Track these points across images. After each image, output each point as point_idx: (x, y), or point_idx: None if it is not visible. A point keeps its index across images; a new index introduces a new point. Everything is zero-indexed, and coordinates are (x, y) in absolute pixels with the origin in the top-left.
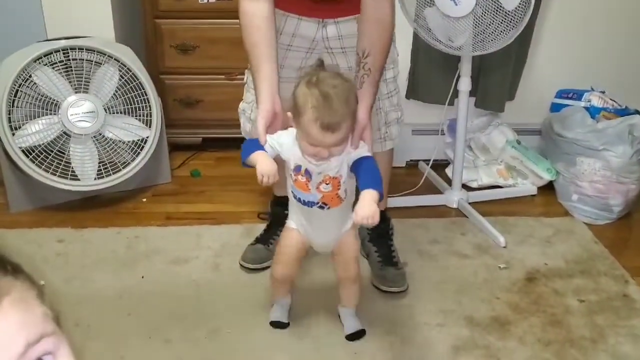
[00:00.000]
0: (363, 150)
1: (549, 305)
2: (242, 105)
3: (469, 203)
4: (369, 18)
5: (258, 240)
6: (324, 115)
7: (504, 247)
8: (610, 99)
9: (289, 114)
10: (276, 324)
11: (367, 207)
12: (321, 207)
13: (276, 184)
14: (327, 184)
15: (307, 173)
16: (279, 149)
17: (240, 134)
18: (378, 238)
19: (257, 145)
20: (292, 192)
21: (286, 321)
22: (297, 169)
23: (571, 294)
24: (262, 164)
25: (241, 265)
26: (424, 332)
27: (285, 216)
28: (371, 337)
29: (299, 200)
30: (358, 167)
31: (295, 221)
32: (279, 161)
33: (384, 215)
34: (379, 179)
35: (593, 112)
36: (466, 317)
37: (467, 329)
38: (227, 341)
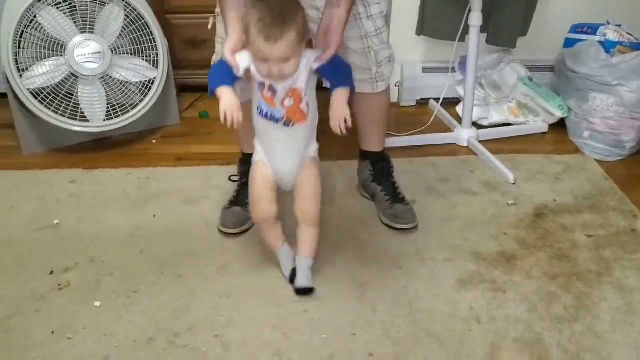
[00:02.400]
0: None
1: (557, 240)
2: (213, 58)
3: (479, 141)
4: None
5: (233, 203)
6: (265, 27)
7: (513, 184)
8: (627, 33)
9: (244, 35)
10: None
11: (340, 110)
12: (286, 124)
13: (246, 142)
14: (290, 98)
15: (272, 89)
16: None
17: None
18: (380, 177)
19: (224, 74)
20: (259, 107)
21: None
22: (261, 85)
23: (579, 229)
24: (225, 99)
25: (221, 231)
26: (430, 266)
27: None
28: (377, 271)
29: (265, 115)
30: (325, 69)
31: (260, 151)
32: (246, 111)
33: (384, 155)
34: (347, 74)
35: (608, 46)
36: (473, 252)
37: (474, 264)
38: (236, 275)
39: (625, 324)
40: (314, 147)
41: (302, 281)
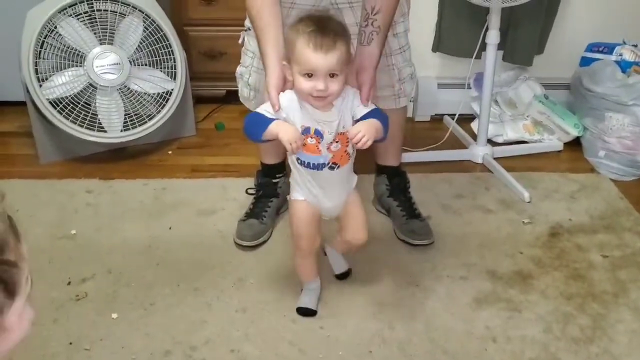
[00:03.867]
0: (368, 106)
1: (572, 260)
2: (239, 69)
3: (494, 158)
4: None
5: (249, 216)
6: (317, 37)
7: (529, 202)
8: None
9: (284, 62)
10: (304, 311)
11: (369, 129)
12: (331, 168)
13: (266, 152)
14: (337, 142)
15: (318, 133)
16: (284, 114)
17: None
18: (397, 192)
19: (264, 118)
20: (299, 158)
21: (314, 308)
22: (306, 131)
23: (595, 249)
24: (285, 131)
25: (237, 243)
26: (446, 284)
27: (274, 185)
28: (393, 289)
29: (307, 165)
30: (366, 117)
31: (301, 192)
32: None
33: (400, 170)
34: (385, 119)
35: (624, 66)
36: (489, 270)
37: (490, 282)
38: (252, 290)
39: None
40: (354, 178)
41: (341, 267)
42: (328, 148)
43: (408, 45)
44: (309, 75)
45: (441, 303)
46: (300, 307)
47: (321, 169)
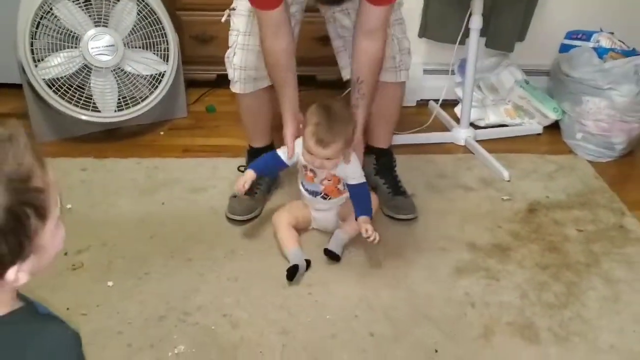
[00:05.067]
0: (357, 172)
1: (549, 234)
2: (228, 51)
3: (476, 141)
4: (361, 53)
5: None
6: (320, 132)
7: (508, 181)
8: (619, 40)
9: (301, 125)
10: (293, 269)
11: (369, 229)
12: (324, 198)
13: (254, 136)
14: (328, 180)
15: (312, 171)
16: (295, 158)
17: None
18: (383, 170)
19: (272, 162)
20: (302, 183)
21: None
22: (305, 167)
23: (570, 224)
24: (242, 177)
25: (229, 218)
26: (427, 256)
27: None
28: (379, 260)
29: (307, 190)
30: (352, 190)
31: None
32: (252, 102)
33: (388, 150)
34: (369, 204)
35: (601, 52)
36: (469, 243)
37: (469, 254)
38: (243, 260)
39: (611, 312)
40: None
41: (334, 248)
42: (321, 182)
43: (403, 19)
44: (311, 155)
45: (423, 272)
46: (290, 267)
47: (315, 196)
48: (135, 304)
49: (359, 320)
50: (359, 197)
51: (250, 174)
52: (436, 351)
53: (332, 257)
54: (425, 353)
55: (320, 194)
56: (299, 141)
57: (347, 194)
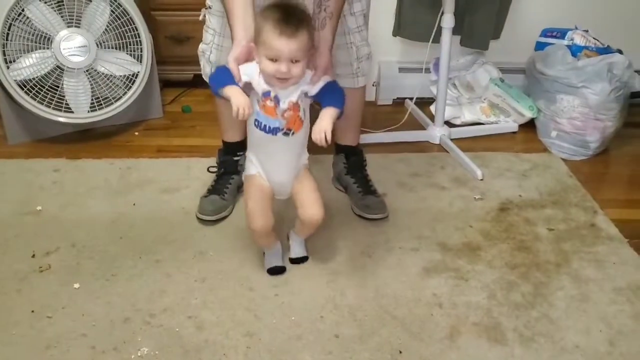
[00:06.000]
0: (326, 78)
1: (519, 233)
2: (201, 46)
3: (452, 139)
4: None
5: (211, 192)
6: (281, 24)
7: (481, 179)
8: (594, 38)
9: (252, 44)
10: (274, 270)
11: (325, 124)
12: (286, 134)
13: (228, 130)
14: (290, 110)
15: (276, 99)
16: (246, 78)
17: None
18: (354, 169)
19: (228, 76)
20: (257, 120)
21: (282, 264)
22: (267, 94)
23: (541, 223)
24: (237, 97)
25: (199, 218)
26: (397, 255)
27: (235, 163)
28: (347, 259)
29: (263, 128)
30: (320, 94)
31: (254, 164)
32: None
33: (357, 149)
34: (340, 97)
35: (575, 50)
36: (439, 242)
37: (439, 253)
38: (212, 261)
39: (578, 311)
40: (306, 155)
41: (297, 253)
42: (283, 115)
43: (365, 25)
44: (274, 60)
45: (392, 272)
46: (270, 268)
47: (276, 134)
48: (101, 306)
49: (325, 322)
50: (329, 90)
51: (241, 94)
52: (400, 352)
53: (300, 261)
54: (390, 354)
55: (282, 129)
56: (253, 65)
57: (307, 126)
